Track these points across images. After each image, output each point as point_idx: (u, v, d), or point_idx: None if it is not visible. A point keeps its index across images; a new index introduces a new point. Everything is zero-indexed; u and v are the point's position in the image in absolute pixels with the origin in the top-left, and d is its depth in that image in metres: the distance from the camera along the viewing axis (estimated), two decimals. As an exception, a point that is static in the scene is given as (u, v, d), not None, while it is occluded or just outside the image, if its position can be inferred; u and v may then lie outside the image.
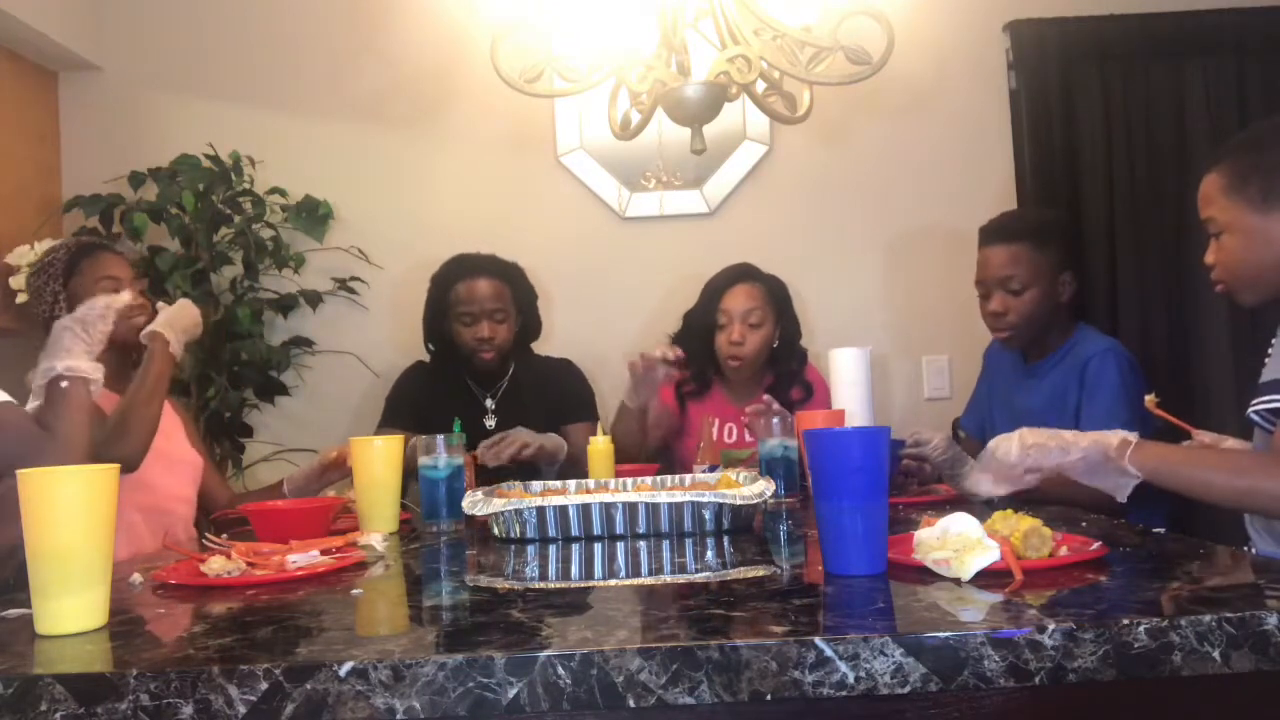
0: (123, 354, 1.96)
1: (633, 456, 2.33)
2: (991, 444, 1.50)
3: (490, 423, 2.50)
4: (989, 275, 2.16)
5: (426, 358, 2.67)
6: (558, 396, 2.60)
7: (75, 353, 1.59)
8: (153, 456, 1.83)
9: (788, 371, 2.56)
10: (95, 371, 1.60)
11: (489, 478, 2.07)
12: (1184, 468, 1.36)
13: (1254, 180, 1.46)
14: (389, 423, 2.51)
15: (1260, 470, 1.32)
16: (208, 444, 2.60)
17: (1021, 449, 1.44)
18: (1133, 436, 1.37)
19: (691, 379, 2.57)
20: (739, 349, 2.47)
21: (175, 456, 2.02)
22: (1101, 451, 1.37)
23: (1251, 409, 1.41)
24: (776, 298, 2.54)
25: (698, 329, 2.55)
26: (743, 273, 2.55)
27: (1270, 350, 1.47)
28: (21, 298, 2.72)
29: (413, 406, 2.50)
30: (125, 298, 1.77)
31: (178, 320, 1.93)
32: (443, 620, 1.03)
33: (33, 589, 0.99)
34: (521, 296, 2.59)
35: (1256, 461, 1.37)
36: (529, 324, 2.65)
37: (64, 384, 1.55)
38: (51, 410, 1.55)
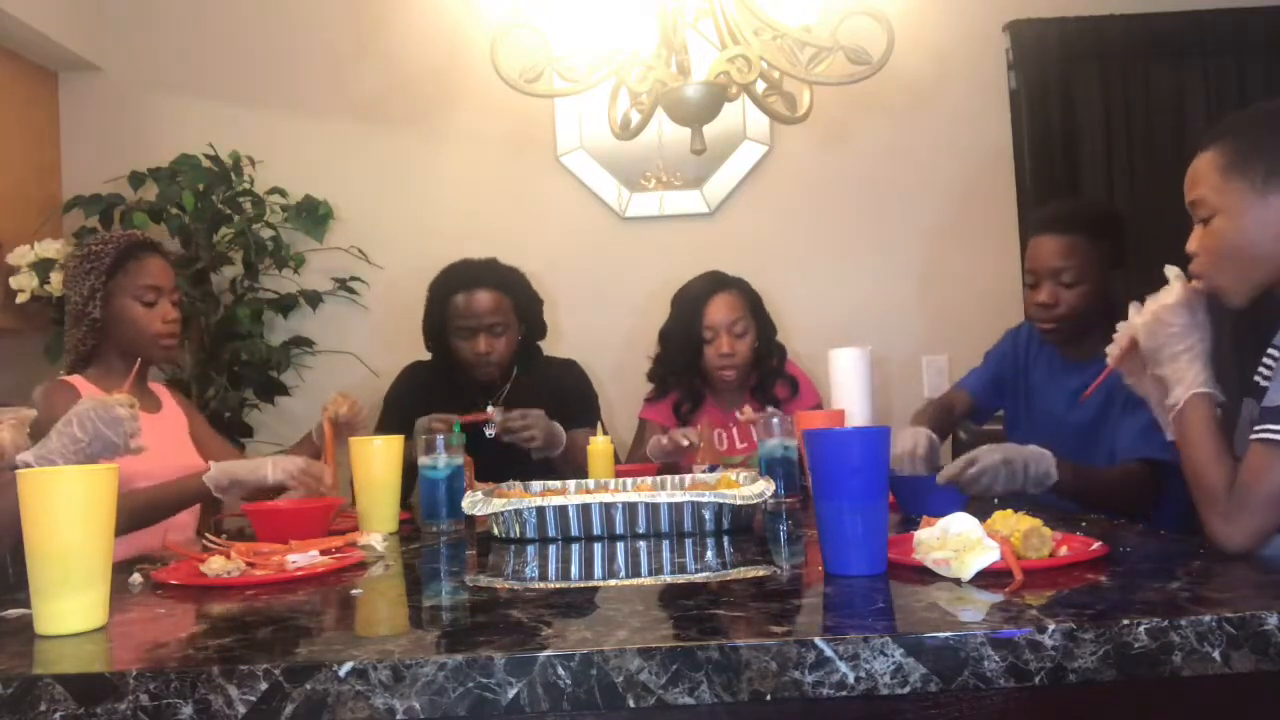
0: (130, 358, 1.90)
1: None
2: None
3: (490, 431, 2.48)
4: (1040, 265, 1.99)
5: (426, 356, 2.64)
6: (560, 400, 2.57)
7: (65, 451, 1.43)
8: (158, 471, 1.81)
9: (769, 370, 2.54)
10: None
11: (490, 476, 2.06)
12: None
13: (1258, 160, 1.33)
14: (388, 425, 2.44)
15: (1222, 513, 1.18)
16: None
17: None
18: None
19: (684, 398, 2.52)
20: (730, 360, 2.43)
21: (180, 470, 1.97)
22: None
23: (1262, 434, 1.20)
24: (751, 302, 2.51)
25: (681, 345, 2.49)
26: (718, 282, 2.50)
27: (1269, 363, 1.35)
28: (22, 298, 2.73)
29: (412, 408, 2.45)
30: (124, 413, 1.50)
31: (240, 473, 1.77)
32: (443, 620, 1.03)
33: (33, 589, 0.99)
34: (523, 305, 2.52)
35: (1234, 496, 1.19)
36: (532, 331, 2.58)
37: None
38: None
